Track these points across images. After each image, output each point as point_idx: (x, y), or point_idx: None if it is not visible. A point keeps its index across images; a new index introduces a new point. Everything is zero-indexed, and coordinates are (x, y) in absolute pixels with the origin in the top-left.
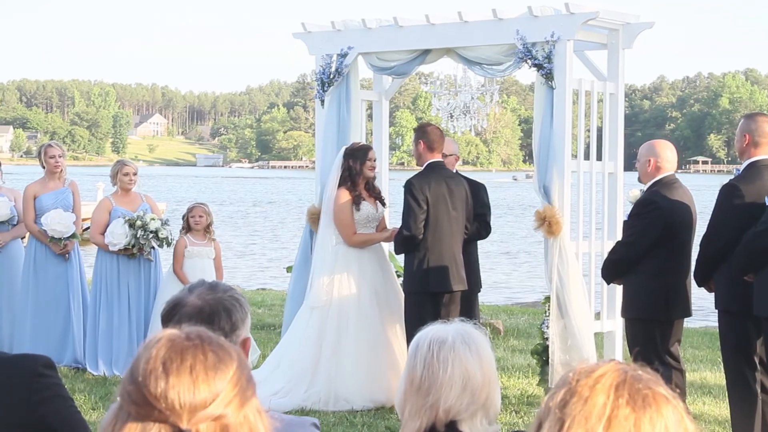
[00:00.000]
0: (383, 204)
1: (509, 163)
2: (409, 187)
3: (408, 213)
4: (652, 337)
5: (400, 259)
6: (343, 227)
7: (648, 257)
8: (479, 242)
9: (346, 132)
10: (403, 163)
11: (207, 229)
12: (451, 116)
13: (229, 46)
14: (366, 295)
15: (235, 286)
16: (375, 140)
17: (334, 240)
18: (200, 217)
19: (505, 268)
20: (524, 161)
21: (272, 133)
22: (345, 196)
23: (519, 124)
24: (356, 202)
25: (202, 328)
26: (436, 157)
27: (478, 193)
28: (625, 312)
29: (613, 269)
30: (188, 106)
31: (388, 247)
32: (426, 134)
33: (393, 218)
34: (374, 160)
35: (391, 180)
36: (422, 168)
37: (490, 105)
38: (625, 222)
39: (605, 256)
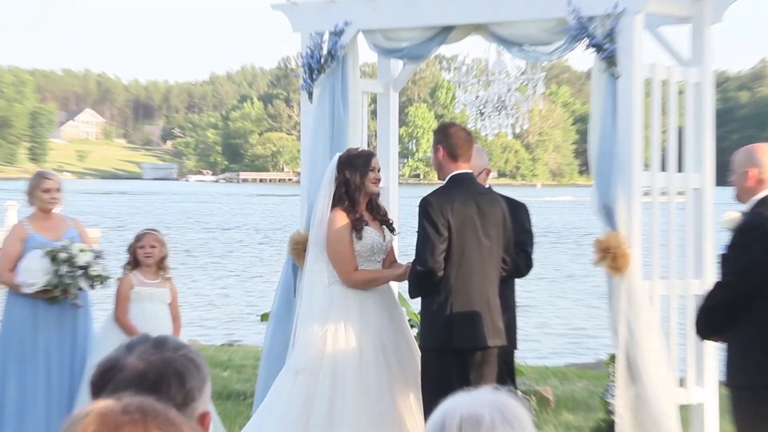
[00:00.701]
0: (392, 230)
1: (560, 176)
2: (425, 207)
3: (424, 242)
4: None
5: (416, 304)
6: (339, 261)
7: (759, 302)
8: (518, 281)
9: (342, 134)
10: (418, 175)
11: (160, 264)
12: (482, 113)
13: (188, 21)
14: (370, 352)
15: (190, 342)
16: (380, 145)
17: (326, 278)
18: (152, 248)
19: (554, 317)
20: (580, 173)
21: (243, 135)
22: (341, 219)
23: (573, 124)
24: (356, 227)
25: (146, 399)
26: (463, 168)
27: (517, 215)
28: (731, 378)
29: (710, 320)
30: (132, 99)
31: (399, 287)
32: (448, 137)
33: (405, 249)
34: (379, 171)
35: (402, 198)
36: (444, 182)
37: (534, 98)
38: (722, 255)
39: (690, 299)
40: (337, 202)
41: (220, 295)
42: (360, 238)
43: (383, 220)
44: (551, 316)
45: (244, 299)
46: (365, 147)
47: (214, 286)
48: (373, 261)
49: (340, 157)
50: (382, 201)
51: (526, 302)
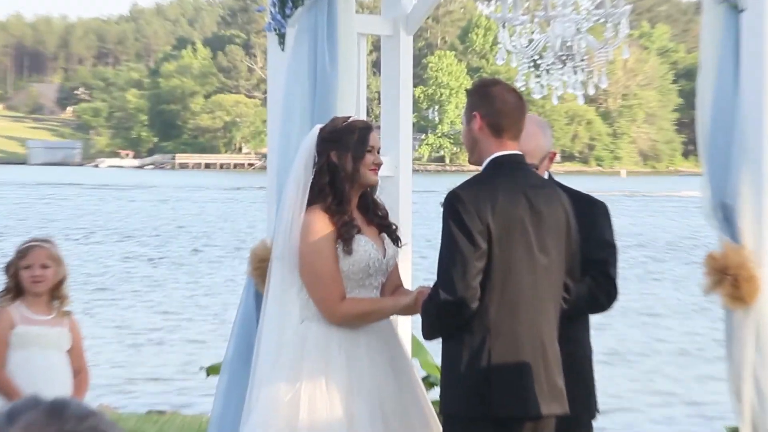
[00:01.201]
0: (396, 240)
1: (655, 159)
2: (453, 205)
3: (451, 258)
4: None
5: (434, 349)
6: (317, 286)
7: None
8: (594, 317)
9: (328, 97)
10: (442, 159)
11: (56, 291)
12: (537, 66)
13: None
14: (363, 422)
15: (101, 408)
16: (386, 113)
17: (298, 312)
18: (43, 268)
19: (648, 369)
20: (685, 155)
21: (182, 98)
22: (321, 224)
23: (674, 82)
24: (344, 236)
25: None
26: (509, 147)
27: (592, 219)
28: None
29: None
30: (12, 44)
31: (412, 325)
32: (489, 101)
33: (419, 269)
34: (379, 152)
35: (418, 193)
36: (481, 168)
37: (615, 44)
38: None
39: None
40: (316, 198)
41: (147, 339)
42: (349, 252)
43: (384, 226)
44: (643, 369)
45: (183, 345)
46: (362, 117)
47: (138, 325)
48: (369, 286)
49: (322, 131)
50: (385, 196)
51: (610, 347)
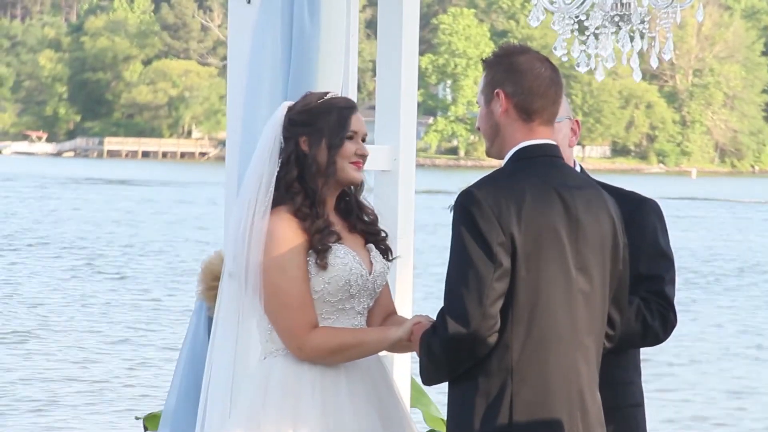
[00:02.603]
0: (386, 252)
1: (737, 156)
2: (466, 209)
3: (462, 277)
4: None
5: (437, 395)
6: (282, 312)
7: None
8: (647, 350)
9: (307, 66)
10: (455, 150)
11: None
12: (583, 31)
13: None
14: None
15: None
16: (382, 89)
17: (260, 345)
18: None
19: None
20: None
21: (112, 64)
22: (288, 230)
23: (765, 53)
24: (318, 245)
25: None
26: (541, 136)
27: (641, 222)
28: None
29: None
30: None
31: (412, 364)
32: (516, 75)
33: (421, 288)
34: (364, 139)
35: (423, 194)
36: (503, 162)
37: (688, 2)
38: None
39: None
40: (282, 197)
41: (63, 377)
42: (324, 266)
43: (371, 234)
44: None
45: (116, 391)
46: (350, 92)
47: (58, 357)
48: (350, 311)
49: (290, 110)
50: (380, 197)
51: (661, 385)
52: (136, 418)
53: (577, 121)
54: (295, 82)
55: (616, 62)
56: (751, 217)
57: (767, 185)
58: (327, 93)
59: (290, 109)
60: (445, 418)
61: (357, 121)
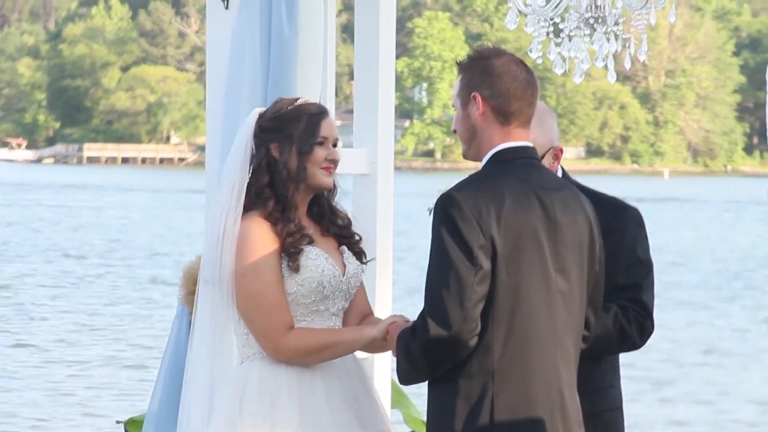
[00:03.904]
0: (360, 255)
1: (708, 155)
2: (447, 212)
3: (442, 280)
4: None
5: (418, 397)
6: (257, 314)
7: None
8: (624, 356)
9: (286, 71)
10: (431, 153)
11: None
12: (557, 33)
13: None
14: None
15: None
16: (360, 92)
17: (237, 348)
18: None
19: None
20: (748, 150)
21: (91, 71)
22: (260, 233)
23: (735, 53)
24: (290, 248)
25: None
26: (518, 138)
27: (621, 229)
28: None
29: None
30: None
31: (392, 367)
32: (493, 78)
33: (399, 291)
34: (335, 144)
35: (402, 196)
36: (482, 164)
37: (660, 3)
38: None
39: None
40: (253, 202)
41: (50, 384)
42: (296, 268)
43: (344, 236)
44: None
45: (92, 391)
46: (327, 96)
47: (35, 360)
48: (325, 312)
49: (261, 117)
50: (358, 200)
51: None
52: (117, 422)
53: (560, 149)
54: (274, 87)
55: (590, 63)
56: (714, 215)
57: (743, 185)
58: (298, 99)
59: (261, 115)
60: (423, 420)
61: (327, 127)
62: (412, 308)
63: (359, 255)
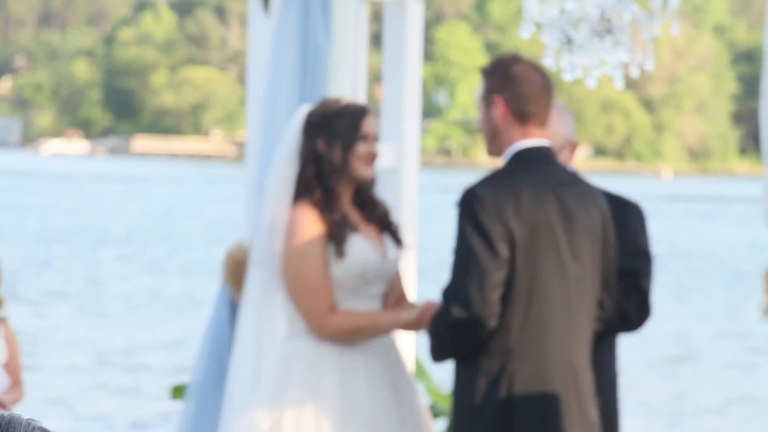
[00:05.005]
0: (399, 241)
1: (705, 156)
2: (469, 205)
3: (466, 267)
4: None
5: (442, 374)
6: (303, 296)
7: None
8: (623, 338)
9: (321, 73)
10: (450, 152)
11: None
12: (569, 41)
13: None
14: None
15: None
16: (389, 94)
17: (284, 326)
18: None
19: (690, 401)
20: (743, 152)
21: (141, 72)
22: (309, 222)
23: (732, 64)
24: (337, 236)
25: None
26: (536, 136)
27: (624, 222)
28: None
29: None
30: None
31: (417, 343)
32: (513, 83)
33: (426, 279)
34: (376, 140)
35: (425, 191)
36: (504, 162)
37: (664, 18)
38: None
39: None
40: (301, 192)
41: (96, 353)
42: (342, 254)
43: (384, 225)
44: (685, 403)
45: (142, 358)
46: (359, 96)
47: (84, 333)
48: (367, 295)
49: (310, 115)
50: (385, 192)
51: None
52: (166, 389)
53: (576, 143)
54: (310, 88)
55: (600, 73)
56: (710, 213)
57: (736, 185)
58: (343, 98)
59: (309, 113)
60: (443, 392)
61: (369, 124)
62: (432, 295)
63: (398, 241)
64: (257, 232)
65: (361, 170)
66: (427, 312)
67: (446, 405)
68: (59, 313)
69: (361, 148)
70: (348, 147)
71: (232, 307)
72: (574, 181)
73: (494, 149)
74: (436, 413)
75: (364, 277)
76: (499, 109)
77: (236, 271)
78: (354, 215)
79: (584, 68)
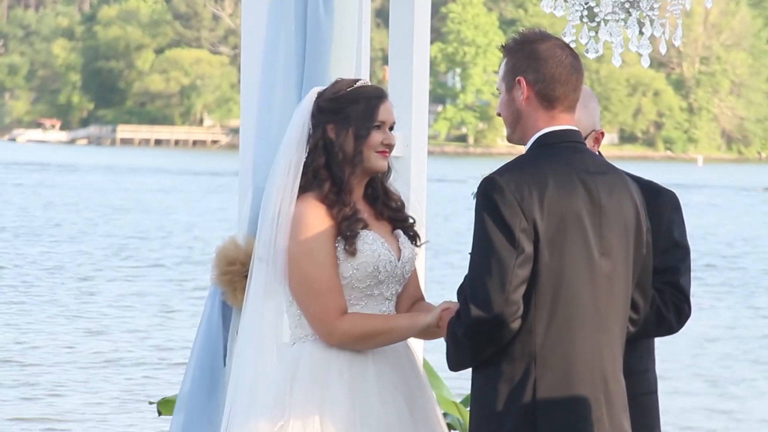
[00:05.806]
0: (414, 238)
1: (743, 142)
2: (489, 195)
3: (484, 263)
4: None
5: (451, 381)
6: (311, 297)
7: None
8: (661, 340)
9: (321, 54)
10: (464, 138)
11: None
12: (593, 19)
13: None
14: None
15: None
16: (393, 77)
17: (288, 329)
18: None
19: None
20: None
21: (125, 53)
22: (317, 217)
23: None
24: (347, 232)
25: None
26: (562, 122)
27: (657, 213)
28: None
29: None
30: None
31: (424, 349)
32: (538, 62)
33: (441, 276)
34: (392, 128)
35: (435, 182)
36: (525, 148)
37: None
38: None
39: None
40: (310, 183)
41: (83, 365)
42: (353, 252)
43: (398, 221)
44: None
45: (127, 371)
46: (366, 80)
47: (69, 339)
48: (379, 297)
49: (320, 97)
50: (398, 185)
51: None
52: (150, 403)
53: (601, 132)
54: (309, 70)
55: (624, 48)
56: (752, 204)
57: None
58: (357, 80)
59: (319, 95)
60: (457, 401)
61: (385, 111)
62: (442, 289)
63: (413, 238)
64: (260, 225)
65: (374, 161)
66: (447, 314)
67: (463, 417)
68: None
69: (376, 137)
70: (361, 136)
71: (223, 309)
72: (605, 169)
73: (516, 136)
74: (449, 425)
75: (377, 277)
76: (523, 92)
77: (229, 270)
78: (365, 210)
79: (607, 46)
